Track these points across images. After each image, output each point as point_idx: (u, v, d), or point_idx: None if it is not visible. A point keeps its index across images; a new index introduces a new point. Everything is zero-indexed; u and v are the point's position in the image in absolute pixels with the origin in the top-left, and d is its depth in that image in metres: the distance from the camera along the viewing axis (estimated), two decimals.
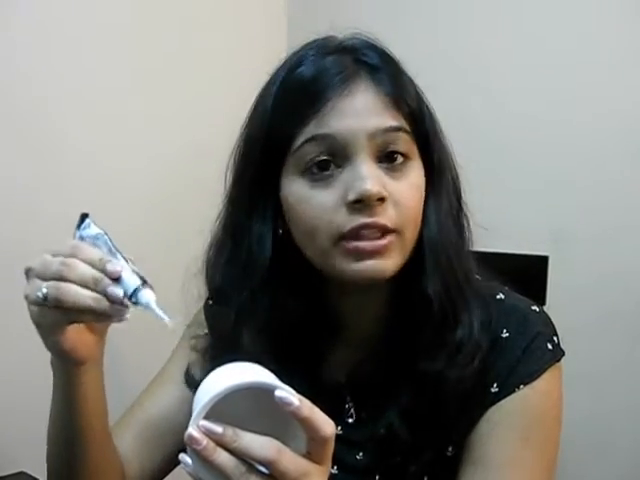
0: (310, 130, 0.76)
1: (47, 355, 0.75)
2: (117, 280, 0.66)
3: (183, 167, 1.74)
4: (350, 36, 0.83)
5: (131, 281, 0.67)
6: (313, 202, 0.76)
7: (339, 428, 0.84)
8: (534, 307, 0.85)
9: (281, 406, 0.57)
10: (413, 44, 1.48)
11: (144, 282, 0.68)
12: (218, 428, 0.57)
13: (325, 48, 0.81)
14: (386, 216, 0.75)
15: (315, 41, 0.83)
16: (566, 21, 1.59)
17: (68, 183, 1.51)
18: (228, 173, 0.86)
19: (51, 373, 0.77)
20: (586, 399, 1.38)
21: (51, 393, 0.79)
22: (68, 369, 0.76)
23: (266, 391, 0.57)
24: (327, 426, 0.58)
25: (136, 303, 0.67)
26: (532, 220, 1.60)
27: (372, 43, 0.82)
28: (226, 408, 0.57)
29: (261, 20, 1.89)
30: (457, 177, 0.87)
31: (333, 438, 0.59)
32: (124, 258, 0.70)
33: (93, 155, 1.56)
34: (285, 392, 0.57)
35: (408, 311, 0.81)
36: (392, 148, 0.77)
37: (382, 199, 0.74)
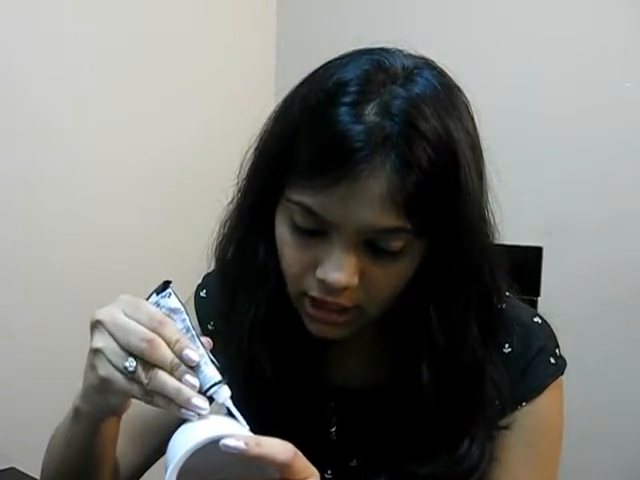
0: (302, 192, 0.68)
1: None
2: (192, 368, 0.62)
3: (180, 166, 1.75)
4: (398, 92, 0.67)
5: (209, 373, 0.62)
6: (289, 251, 0.72)
7: (333, 434, 0.83)
8: (536, 318, 0.82)
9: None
10: None
11: (223, 375, 0.62)
12: None
13: (370, 89, 0.67)
14: (349, 297, 0.70)
15: (367, 70, 0.68)
16: (558, 18, 1.59)
17: (67, 179, 1.51)
18: (245, 162, 0.78)
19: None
20: (580, 390, 1.38)
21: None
22: (102, 419, 0.72)
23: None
24: (281, 452, 0.56)
25: (211, 399, 0.61)
26: (526, 211, 1.59)
27: (416, 102, 0.67)
28: (197, 461, 0.56)
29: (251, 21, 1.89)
30: (490, 253, 0.75)
31: (295, 458, 0.57)
32: (201, 342, 0.64)
33: (93, 153, 1.57)
34: (230, 440, 0.55)
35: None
36: (383, 246, 0.69)
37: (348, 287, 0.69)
